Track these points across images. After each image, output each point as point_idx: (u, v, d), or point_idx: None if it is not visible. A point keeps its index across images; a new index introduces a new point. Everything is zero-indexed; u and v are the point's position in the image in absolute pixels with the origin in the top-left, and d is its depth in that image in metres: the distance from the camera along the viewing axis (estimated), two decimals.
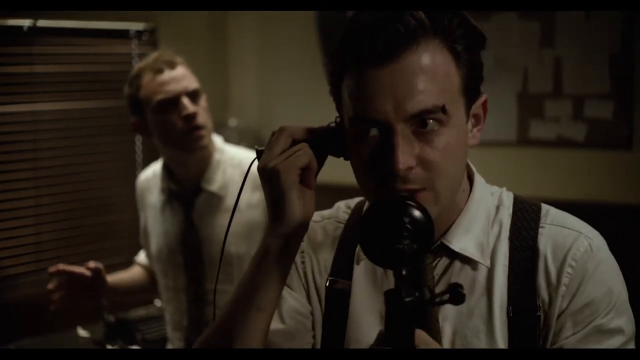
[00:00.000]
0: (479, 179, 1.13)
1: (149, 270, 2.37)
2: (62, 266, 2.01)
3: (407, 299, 0.82)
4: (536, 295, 1.04)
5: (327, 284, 1.14)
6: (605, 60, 2.79)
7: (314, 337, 1.15)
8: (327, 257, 1.17)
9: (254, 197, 2.15)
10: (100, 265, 2.07)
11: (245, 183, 2.13)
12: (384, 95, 0.97)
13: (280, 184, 1.01)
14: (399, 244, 0.89)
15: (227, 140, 2.36)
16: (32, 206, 3.18)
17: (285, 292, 1.15)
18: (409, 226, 0.92)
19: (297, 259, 1.18)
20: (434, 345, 0.86)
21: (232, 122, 3.77)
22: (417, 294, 0.83)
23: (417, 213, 0.95)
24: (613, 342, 1.03)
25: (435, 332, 1.06)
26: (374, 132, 0.99)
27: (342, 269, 1.14)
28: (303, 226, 1.04)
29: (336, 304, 1.13)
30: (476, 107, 1.07)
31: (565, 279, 1.03)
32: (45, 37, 3.20)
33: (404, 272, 0.84)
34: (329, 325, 1.13)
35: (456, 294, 0.83)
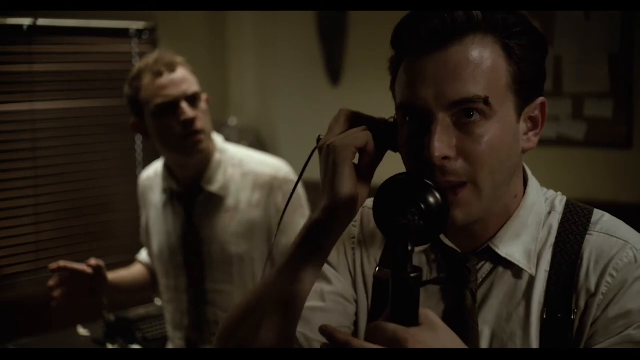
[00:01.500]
0: (533, 185, 1.11)
1: (150, 268, 2.36)
2: (63, 263, 2.00)
3: (413, 275, 0.82)
4: (572, 301, 1.02)
5: (375, 273, 1.14)
6: (604, 59, 2.79)
7: (355, 324, 1.15)
8: (378, 246, 1.16)
9: (254, 197, 2.14)
10: (101, 263, 2.06)
11: (245, 183, 2.17)
12: (426, 83, 0.97)
13: (334, 158, 1.01)
14: (404, 219, 0.88)
15: (227, 139, 2.36)
16: (31, 205, 3.18)
17: (331, 274, 1.15)
18: (421, 204, 0.92)
19: (348, 244, 1.18)
20: (438, 323, 0.85)
21: (232, 121, 3.78)
22: (420, 271, 0.83)
23: (432, 193, 0.94)
24: None
25: (474, 336, 1.05)
26: (416, 120, 0.99)
27: (390, 260, 1.13)
28: (349, 205, 1.02)
29: (383, 294, 1.12)
30: (532, 109, 1.04)
31: (603, 289, 1.01)
32: (45, 35, 3.20)
33: (409, 248, 0.83)
34: (375, 316, 1.12)
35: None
